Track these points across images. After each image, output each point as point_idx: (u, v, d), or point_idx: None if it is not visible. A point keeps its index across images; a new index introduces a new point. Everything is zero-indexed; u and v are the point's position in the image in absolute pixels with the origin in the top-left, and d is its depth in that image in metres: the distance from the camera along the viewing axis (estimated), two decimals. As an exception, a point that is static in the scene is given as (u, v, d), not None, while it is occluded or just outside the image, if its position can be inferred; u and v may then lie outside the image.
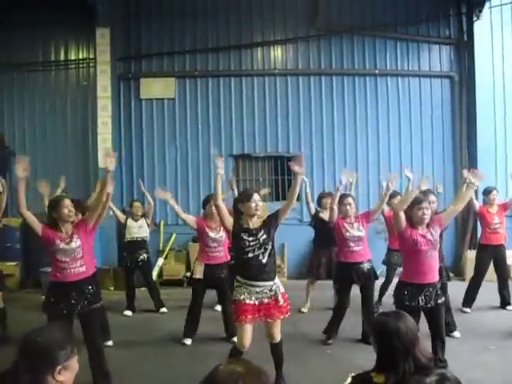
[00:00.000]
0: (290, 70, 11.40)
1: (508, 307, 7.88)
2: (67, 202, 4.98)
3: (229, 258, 6.77)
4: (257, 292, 4.75)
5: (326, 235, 7.35)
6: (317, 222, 7.98)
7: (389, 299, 6.16)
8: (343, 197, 6.73)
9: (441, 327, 5.21)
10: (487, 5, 10.89)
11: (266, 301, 4.78)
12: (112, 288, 9.80)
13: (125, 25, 11.23)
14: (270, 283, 4.82)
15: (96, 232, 5.29)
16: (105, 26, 10.69)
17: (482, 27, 10.98)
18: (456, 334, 6.59)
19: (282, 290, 4.92)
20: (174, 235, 10.86)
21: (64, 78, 11.55)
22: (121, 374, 5.32)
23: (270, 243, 4.85)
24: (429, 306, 4.98)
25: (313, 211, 8.15)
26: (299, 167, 4.74)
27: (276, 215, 4.97)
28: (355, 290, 6.64)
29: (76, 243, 4.90)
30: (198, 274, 6.66)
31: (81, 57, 11.53)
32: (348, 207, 6.60)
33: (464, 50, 11.27)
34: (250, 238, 4.79)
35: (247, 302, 4.73)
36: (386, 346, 2.70)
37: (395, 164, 11.20)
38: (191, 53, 11.34)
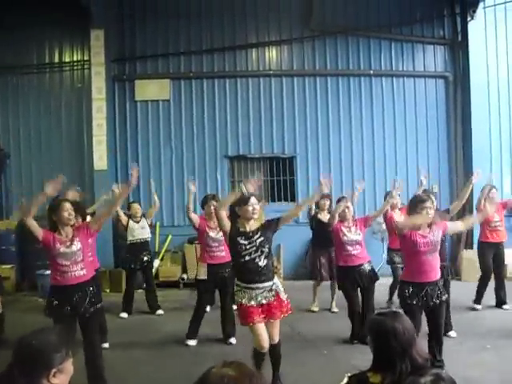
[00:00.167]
0: (284, 71, 11.40)
1: (504, 306, 7.89)
2: (67, 205, 4.98)
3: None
4: (256, 294, 4.77)
5: (324, 236, 7.37)
6: (315, 223, 7.99)
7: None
8: (341, 200, 6.75)
9: (440, 326, 5.23)
10: (481, 5, 10.89)
11: (266, 301, 4.80)
12: (108, 290, 9.77)
13: (119, 26, 11.21)
14: (270, 283, 4.84)
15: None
16: (99, 27, 10.66)
17: (476, 27, 10.98)
18: (452, 333, 6.59)
19: (282, 289, 4.95)
20: (170, 237, 10.85)
21: (58, 80, 11.52)
22: (117, 376, 5.32)
23: (267, 246, 4.86)
24: (431, 304, 4.99)
25: (312, 213, 8.16)
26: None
27: (277, 222, 5.02)
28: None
29: (77, 246, 4.90)
30: (202, 275, 6.67)
31: (75, 59, 11.49)
32: (346, 210, 6.61)
33: (458, 50, 11.28)
34: (246, 242, 4.80)
35: (249, 304, 4.75)
36: (383, 346, 2.70)
37: (390, 164, 11.23)
38: (186, 54, 11.33)
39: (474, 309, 7.90)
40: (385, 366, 2.66)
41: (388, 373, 2.63)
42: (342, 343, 6.51)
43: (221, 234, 6.56)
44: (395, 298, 7.63)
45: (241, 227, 4.90)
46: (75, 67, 11.49)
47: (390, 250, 7.84)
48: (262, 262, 4.79)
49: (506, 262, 8.19)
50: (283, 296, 4.89)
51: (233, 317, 6.50)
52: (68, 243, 4.87)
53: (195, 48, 11.30)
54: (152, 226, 8.95)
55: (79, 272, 4.90)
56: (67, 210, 4.92)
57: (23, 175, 11.35)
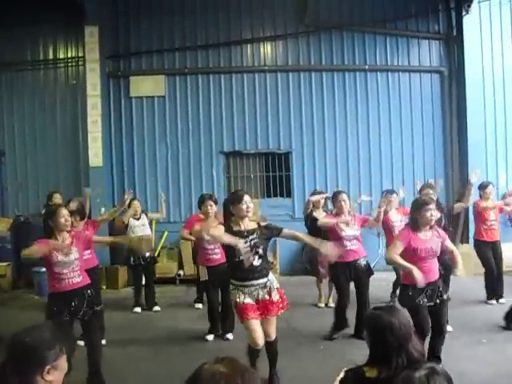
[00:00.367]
0: (279, 67, 11.39)
1: (501, 300, 7.90)
2: (64, 211, 5.00)
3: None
4: (252, 291, 4.78)
5: (319, 234, 7.34)
6: (310, 221, 7.97)
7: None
8: (337, 194, 6.74)
9: (443, 325, 5.23)
10: (476, -1, 10.93)
11: (262, 298, 4.81)
12: (104, 287, 9.76)
13: (113, 23, 11.18)
14: (264, 280, 4.84)
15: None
16: (93, 24, 10.63)
17: (471, 22, 10.97)
18: (448, 327, 6.60)
19: (277, 285, 4.95)
20: (166, 233, 10.85)
21: (53, 77, 11.49)
22: (114, 373, 5.33)
23: (262, 248, 4.83)
24: (432, 304, 4.99)
25: (308, 211, 8.17)
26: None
27: (278, 232, 5.00)
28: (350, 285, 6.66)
29: (75, 255, 4.94)
30: (203, 276, 6.70)
31: (70, 55, 11.47)
32: (342, 203, 6.60)
33: (453, 44, 11.27)
34: (242, 241, 4.76)
35: (245, 301, 4.75)
36: (379, 341, 2.70)
37: (386, 159, 11.24)
38: (181, 50, 11.31)
39: (488, 303, 7.92)
40: (381, 361, 2.67)
41: (384, 367, 2.64)
42: (338, 338, 6.52)
43: None
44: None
45: (235, 226, 4.86)
46: (70, 64, 11.47)
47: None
48: (257, 262, 4.78)
49: (502, 257, 8.21)
50: (276, 295, 4.87)
51: (232, 313, 6.51)
52: (66, 250, 4.88)
53: (190, 44, 11.28)
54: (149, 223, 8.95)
55: (76, 279, 4.94)
56: (64, 216, 4.93)
57: (18, 172, 11.34)
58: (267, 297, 4.83)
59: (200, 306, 8.18)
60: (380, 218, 6.73)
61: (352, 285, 6.62)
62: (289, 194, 11.26)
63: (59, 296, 4.84)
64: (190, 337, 6.73)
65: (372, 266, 7.02)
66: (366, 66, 11.32)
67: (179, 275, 10.20)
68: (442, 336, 5.20)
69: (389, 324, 2.69)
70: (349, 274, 6.47)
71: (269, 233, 4.97)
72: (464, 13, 10.97)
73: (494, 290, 7.97)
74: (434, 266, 5.19)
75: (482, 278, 8.07)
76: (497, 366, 5.37)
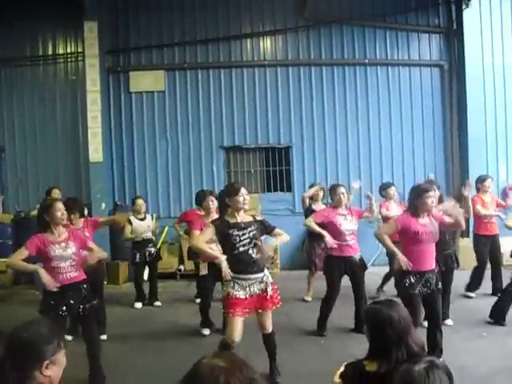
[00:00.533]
0: (279, 61, 11.37)
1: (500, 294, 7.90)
2: (60, 205, 4.99)
3: None
4: (248, 285, 4.76)
5: (319, 226, 7.34)
6: (309, 213, 7.96)
7: (390, 288, 6.16)
8: (336, 187, 6.71)
9: (438, 313, 5.25)
10: (476, -7, 10.90)
11: (257, 292, 4.80)
12: (105, 282, 9.75)
13: (113, 18, 11.16)
14: (261, 275, 4.83)
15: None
16: (92, 19, 10.59)
17: (471, 15, 10.96)
18: (448, 321, 6.61)
19: (271, 280, 4.95)
20: (167, 228, 10.83)
21: (52, 73, 11.47)
22: (116, 368, 5.35)
23: (260, 240, 4.85)
24: (429, 291, 5.03)
25: (306, 205, 8.17)
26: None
27: (270, 230, 5.01)
28: (346, 280, 6.64)
29: (72, 249, 4.92)
30: (203, 271, 6.69)
31: (69, 51, 11.45)
32: (341, 196, 6.58)
33: (453, 38, 11.26)
34: (240, 233, 4.76)
35: (238, 296, 4.73)
36: (379, 335, 2.71)
37: (386, 153, 11.25)
38: (180, 45, 11.29)
39: (468, 296, 7.95)
40: (381, 355, 2.68)
41: (384, 361, 2.64)
42: (338, 333, 6.52)
43: None
44: (386, 287, 7.74)
45: (231, 219, 4.85)
46: (69, 59, 11.45)
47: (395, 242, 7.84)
48: (255, 255, 4.77)
49: (502, 251, 8.20)
50: (271, 290, 4.87)
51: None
52: (63, 244, 4.88)
53: (189, 39, 11.26)
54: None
55: (73, 273, 4.94)
56: (60, 210, 4.92)
57: (18, 168, 11.33)
58: (262, 291, 4.82)
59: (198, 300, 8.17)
60: (373, 209, 6.77)
61: (347, 282, 6.63)
62: (289, 189, 11.26)
63: (56, 290, 4.83)
64: (190, 332, 6.74)
65: (373, 260, 7.03)
66: (366, 60, 11.31)
67: (180, 270, 10.20)
68: (438, 326, 5.21)
69: (388, 318, 2.70)
70: (343, 269, 6.46)
71: (263, 228, 4.97)
72: (464, 6, 10.96)
73: (479, 284, 7.98)
74: (433, 253, 5.23)
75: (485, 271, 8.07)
76: (497, 360, 5.37)
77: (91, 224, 6.65)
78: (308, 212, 7.95)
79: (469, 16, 10.97)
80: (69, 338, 6.05)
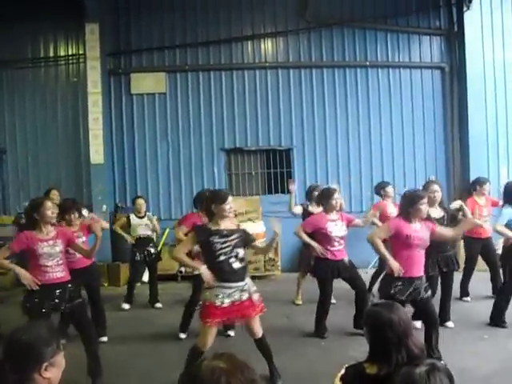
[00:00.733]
0: (280, 63, 11.37)
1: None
2: (50, 204, 5.02)
3: None
4: (229, 293, 4.68)
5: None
6: (306, 215, 7.95)
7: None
8: (332, 191, 6.63)
9: (431, 314, 5.22)
10: (477, -6, 10.90)
11: (238, 301, 4.72)
12: (106, 284, 9.77)
13: (114, 20, 11.17)
14: (242, 283, 4.77)
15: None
16: (94, 21, 10.61)
17: (472, 17, 10.96)
18: (449, 324, 6.62)
19: (254, 288, 4.90)
20: (168, 230, 10.84)
21: (54, 75, 11.47)
22: (116, 370, 5.36)
23: (242, 250, 4.78)
24: (418, 298, 5.00)
25: (298, 212, 8.17)
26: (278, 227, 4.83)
27: (249, 240, 4.96)
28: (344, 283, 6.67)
29: (59, 247, 4.95)
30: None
31: (70, 53, 11.44)
32: (337, 201, 6.55)
33: (454, 40, 11.26)
34: (222, 240, 4.69)
35: (218, 305, 4.65)
36: (379, 337, 2.71)
37: (387, 155, 11.25)
38: (181, 47, 11.30)
39: (465, 301, 7.92)
40: (381, 357, 2.68)
41: (384, 363, 2.65)
42: (339, 334, 6.52)
43: None
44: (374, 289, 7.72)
45: (213, 226, 4.78)
46: (70, 61, 11.45)
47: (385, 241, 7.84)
48: (237, 265, 4.71)
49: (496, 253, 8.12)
50: (256, 297, 4.83)
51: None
52: (51, 242, 4.90)
53: (191, 41, 11.27)
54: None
55: (60, 273, 4.95)
56: (50, 209, 4.94)
57: (19, 170, 11.34)
58: (243, 300, 4.74)
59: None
60: (366, 225, 6.87)
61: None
62: (288, 191, 11.23)
63: (41, 288, 4.82)
64: (190, 333, 6.72)
65: (373, 262, 7.04)
66: (367, 63, 11.32)
67: (181, 272, 10.19)
68: (435, 326, 5.21)
69: (388, 320, 2.70)
70: (336, 272, 6.46)
71: (246, 238, 4.90)
72: (465, 8, 10.96)
73: (466, 288, 8.00)
74: (423, 260, 5.23)
75: (483, 273, 8.04)
76: (498, 362, 5.37)
77: (87, 226, 6.63)
78: (306, 214, 7.94)
79: (470, 18, 10.97)
80: (104, 339, 6.10)
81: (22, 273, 4.85)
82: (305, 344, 6.27)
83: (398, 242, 5.17)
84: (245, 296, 4.75)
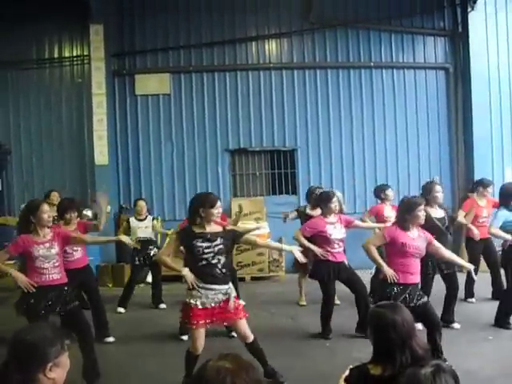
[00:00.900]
0: (284, 64, 11.38)
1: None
2: (46, 207, 5.02)
3: None
4: (211, 296, 4.65)
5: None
6: (304, 217, 7.95)
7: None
8: (331, 195, 6.62)
9: (431, 317, 5.19)
10: (481, -5, 10.89)
11: (220, 304, 4.69)
12: (110, 285, 9.78)
13: (118, 21, 11.19)
14: (225, 287, 4.74)
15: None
16: (98, 22, 10.65)
17: (477, 18, 10.96)
18: (456, 325, 6.61)
19: (234, 293, 4.86)
20: (172, 230, 10.84)
21: (58, 76, 11.50)
22: (120, 370, 5.38)
23: (225, 256, 4.75)
24: (411, 305, 4.96)
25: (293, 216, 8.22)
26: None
27: (239, 236, 4.96)
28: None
29: (55, 249, 4.95)
30: None
31: (75, 54, 11.47)
32: (336, 205, 6.56)
33: (459, 41, 11.26)
34: (205, 244, 4.66)
35: (200, 307, 4.62)
36: (383, 338, 2.71)
37: (391, 155, 11.24)
38: (185, 48, 11.31)
39: (470, 302, 7.89)
40: (385, 358, 2.68)
41: (388, 365, 2.65)
42: (343, 335, 6.51)
43: None
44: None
45: (198, 229, 4.73)
46: (75, 62, 11.48)
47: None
48: (219, 270, 4.68)
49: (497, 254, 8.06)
50: (232, 303, 4.73)
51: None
52: (48, 245, 4.91)
53: (195, 42, 11.28)
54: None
55: (56, 275, 4.96)
56: (46, 212, 4.94)
57: (24, 170, 11.36)
58: (223, 303, 4.70)
59: None
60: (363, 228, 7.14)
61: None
62: (294, 192, 11.26)
63: (37, 290, 4.83)
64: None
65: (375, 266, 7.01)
66: (371, 63, 11.31)
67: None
68: (438, 328, 5.18)
69: (392, 321, 2.70)
70: (337, 274, 6.45)
71: (235, 237, 4.90)
72: (469, 9, 10.96)
73: (472, 289, 7.90)
74: (418, 268, 5.24)
75: (489, 275, 8.00)
76: (503, 363, 5.35)
77: (83, 227, 6.66)
78: (304, 217, 7.93)
79: (474, 19, 10.97)
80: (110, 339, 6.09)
81: (19, 276, 4.88)
82: (309, 345, 6.26)
83: (394, 250, 5.20)
84: (225, 300, 4.70)
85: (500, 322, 6.57)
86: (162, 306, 8.32)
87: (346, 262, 6.59)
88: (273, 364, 5.01)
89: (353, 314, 6.63)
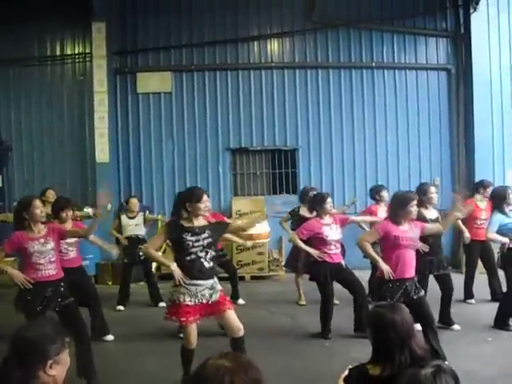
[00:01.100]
0: (286, 63, 11.38)
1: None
2: (38, 202, 5.02)
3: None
4: (197, 291, 4.64)
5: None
6: (296, 217, 7.95)
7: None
8: (325, 197, 6.65)
9: (425, 314, 5.18)
10: (484, -3, 10.88)
11: (207, 299, 4.69)
12: (110, 283, 9.78)
13: (121, 19, 11.18)
14: (211, 281, 4.73)
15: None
16: (100, 20, 10.64)
17: (479, 19, 10.93)
18: (456, 326, 6.60)
19: (220, 287, 4.86)
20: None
21: (60, 73, 11.50)
22: (119, 368, 5.39)
23: (213, 249, 4.78)
24: (408, 299, 4.96)
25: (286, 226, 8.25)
26: None
27: (224, 230, 5.02)
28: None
29: (50, 245, 4.96)
30: None
31: (77, 51, 11.48)
32: (330, 206, 6.58)
33: (461, 42, 11.24)
34: (194, 238, 4.66)
35: (188, 303, 4.61)
36: (382, 338, 2.71)
37: (392, 156, 11.23)
38: (187, 47, 11.30)
39: (469, 303, 7.89)
40: (384, 358, 2.68)
41: (387, 365, 2.65)
42: (343, 335, 6.51)
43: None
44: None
45: (186, 223, 4.73)
46: (77, 60, 11.48)
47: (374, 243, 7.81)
48: (207, 264, 4.69)
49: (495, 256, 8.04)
50: (218, 296, 4.76)
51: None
52: (42, 240, 4.92)
53: (197, 40, 11.27)
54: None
55: (53, 271, 4.97)
56: (39, 208, 4.94)
57: (25, 168, 11.36)
58: (210, 297, 4.69)
59: None
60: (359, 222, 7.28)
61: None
62: (295, 191, 11.24)
63: (34, 286, 4.84)
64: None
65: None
66: (373, 64, 11.31)
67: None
68: (431, 325, 5.18)
69: (391, 321, 2.70)
70: (334, 274, 6.45)
71: (221, 228, 4.97)
72: (472, 10, 10.94)
73: (471, 290, 7.93)
74: (413, 261, 5.26)
75: (486, 276, 8.01)
76: (502, 365, 5.35)
77: (79, 226, 6.66)
78: (296, 218, 7.92)
79: (476, 20, 10.95)
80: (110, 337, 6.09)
81: (15, 273, 4.90)
82: (308, 345, 6.26)
83: (388, 244, 5.22)
84: (214, 294, 4.72)
85: (499, 323, 6.58)
86: (162, 304, 8.29)
87: (344, 263, 6.60)
88: (272, 363, 5.01)
89: (352, 314, 6.63)
